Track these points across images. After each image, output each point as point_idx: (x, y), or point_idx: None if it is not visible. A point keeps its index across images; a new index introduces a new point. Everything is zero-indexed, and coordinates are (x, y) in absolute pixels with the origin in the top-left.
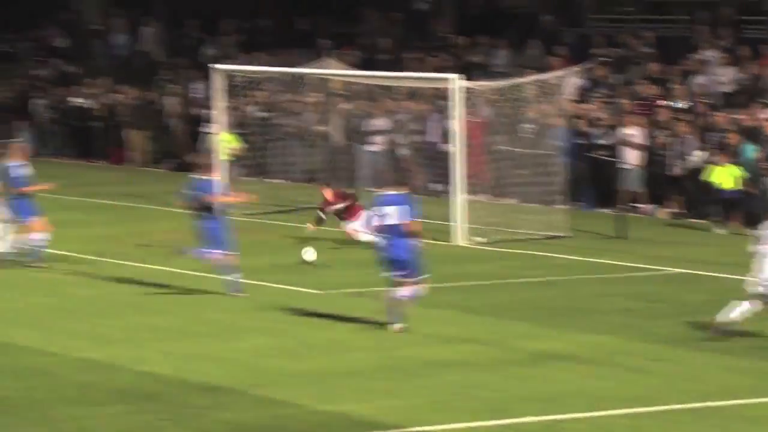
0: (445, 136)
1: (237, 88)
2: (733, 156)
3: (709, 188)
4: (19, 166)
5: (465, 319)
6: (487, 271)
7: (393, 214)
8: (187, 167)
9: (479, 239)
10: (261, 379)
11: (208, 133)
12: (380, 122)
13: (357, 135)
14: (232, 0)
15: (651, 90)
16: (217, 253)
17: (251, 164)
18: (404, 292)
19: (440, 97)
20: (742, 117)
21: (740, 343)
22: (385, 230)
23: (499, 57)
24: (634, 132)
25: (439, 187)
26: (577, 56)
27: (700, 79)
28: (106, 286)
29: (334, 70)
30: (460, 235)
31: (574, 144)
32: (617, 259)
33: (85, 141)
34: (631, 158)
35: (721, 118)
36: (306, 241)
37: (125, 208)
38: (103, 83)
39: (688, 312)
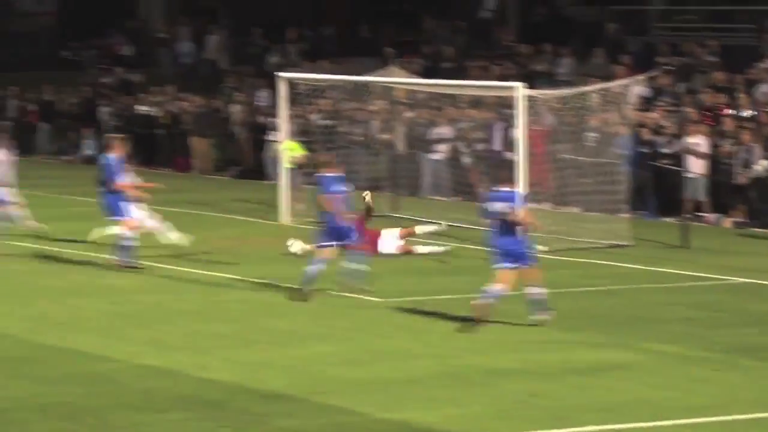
0: (509, 144)
1: (301, 96)
2: None
3: None
4: (118, 160)
5: (526, 328)
6: (549, 279)
7: (501, 209)
8: (250, 174)
9: (541, 248)
10: (323, 386)
11: (272, 140)
12: (443, 130)
13: (420, 143)
14: (296, 8)
15: (715, 99)
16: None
17: (314, 172)
18: (531, 290)
19: (504, 105)
20: None
21: None
22: (496, 225)
23: (563, 65)
24: (698, 141)
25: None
26: (641, 65)
27: (764, 88)
28: (170, 293)
29: (398, 78)
30: None
31: (637, 152)
32: (680, 268)
33: (149, 149)
34: (695, 167)
35: None
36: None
37: (189, 216)
38: (168, 91)
39: (751, 322)
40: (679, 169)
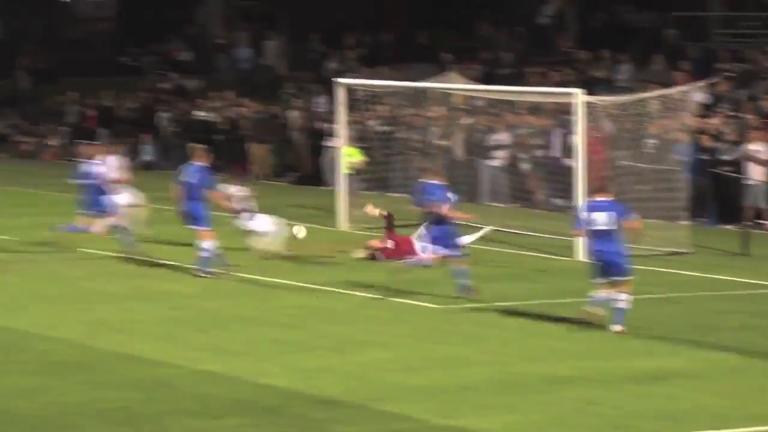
0: (567, 150)
1: (359, 102)
2: None
3: None
4: (200, 168)
5: (585, 335)
6: None
7: (601, 220)
8: (308, 180)
9: None
10: (380, 393)
11: (330, 146)
12: (502, 137)
13: (478, 149)
14: (354, 14)
15: None
16: (444, 252)
17: (372, 178)
18: (619, 296)
19: (562, 111)
20: None
21: None
22: (594, 235)
23: (622, 72)
24: (758, 147)
25: (561, 202)
26: (701, 71)
27: None
28: (228, 299)
29: (456, 85)
30: (582, 250)
31: (697, 159)
32: (739, 275)
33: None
34: (756, 174)
35: None
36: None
37: None
38: (227, 97)
39: None
40: (739, 176)
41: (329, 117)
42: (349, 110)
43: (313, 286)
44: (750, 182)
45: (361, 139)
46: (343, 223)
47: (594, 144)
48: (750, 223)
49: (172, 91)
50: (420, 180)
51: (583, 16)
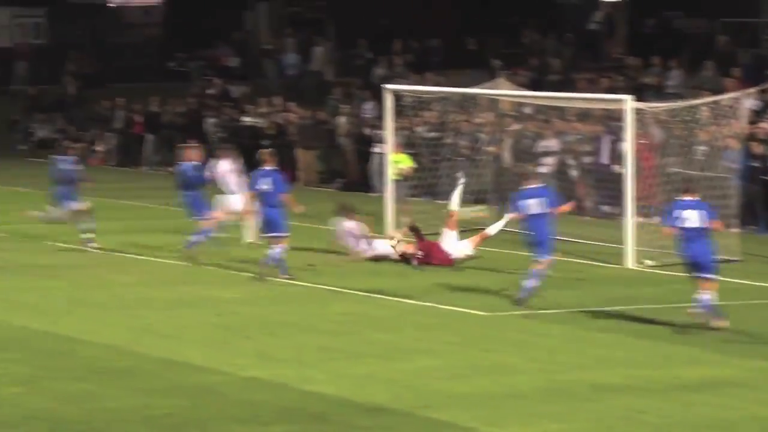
0: (616, 157)
1: (406, 108)
2: None
3: None
4: (272, 172)
5: (634, 343)
6: (656, 294)
7: (692, 218)
8: (355, 186)
9: (649, 262)
10: (427, 400)
11: (378, 153)
12: (550, 143)
13: (526, 156)
14: (402, 20)
15: None
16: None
17: (420, 184)
18: (705, 295)
19: (611, 118)
20: None
21: None
22: (685, 233)
23: (672, 78)
24: None
25: (610, 209)
26: (752, 77)
27: None
28: (275, 305)
29: (505, 91)
30: (631, 257)
31: (748, 166)
32: None
33: (254, 160)
34: None
35: None
36: None
37: (293, 228)
38: (275, 102)
39: None
40: None
41: (376, 123)
42: (396, 116)
43: (360, 293)
44: None
45: (408, 145)
46: (390, 229)
47: (643, 151)
48: None
49: (219, 97)
50: (520, 186)
51: (633, 22)
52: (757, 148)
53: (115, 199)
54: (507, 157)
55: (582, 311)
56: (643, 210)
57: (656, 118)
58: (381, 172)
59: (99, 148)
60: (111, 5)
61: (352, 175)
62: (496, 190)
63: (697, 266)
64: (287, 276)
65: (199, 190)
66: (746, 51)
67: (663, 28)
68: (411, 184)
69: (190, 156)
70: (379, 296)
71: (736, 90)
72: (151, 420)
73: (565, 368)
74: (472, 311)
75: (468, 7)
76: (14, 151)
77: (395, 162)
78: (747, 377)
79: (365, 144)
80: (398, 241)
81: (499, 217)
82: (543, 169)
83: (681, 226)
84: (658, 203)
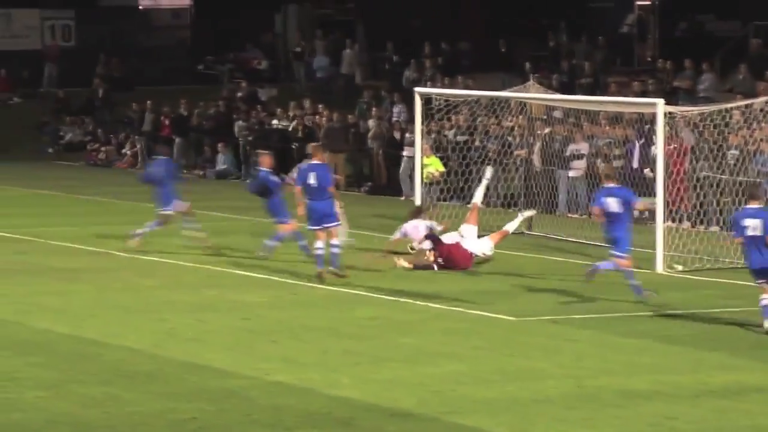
0: (647, 161)
1: (436, 111)
2: None
3: None
4: (319, 166)
5: (662, 349)
6: (686, 299)
7: (755, 226)
8: (383, 190)
9: (679, 267)
10: (453, 405)
11: (407, 156)
12: (581, 147)
13: (556, 159)
14: (432, 23)
15: None
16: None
17: (449, 188)
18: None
19: (643, 121)
20: None
21: None
22: (748, 241)
23: (704, 81)
24: None
25: (639, 214)
26: None
27: None
28: (300, 309)
29: (535, 94)
30: (661, 262)
31: None
32: None
33: (284, 163)
34: None
35: None
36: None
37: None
38: (305, 105)
39: None
40: None
41: (406, 126)
42: (425, 119)
43: (386, 297)
44: None
45: (438, 148)
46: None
47: (674, 155)
48: None
49: (248, 100)
50: (602, 186)
51: (665, 25)
52: None
53: (139, 203)
54: (536, 160)
55: (611, 317)
56: (673, 214)
57: (688, 122)
58: (410, 176)
59: (127, 151)
60: (140, 8)
61: (381, 179)
62: (526, 194)
63: (758, 273)
64: (337, 272)
65: (277, 195)
66: None
67: (695, 31)
68: (440, 187)
69: (266, 162)
70: (404, 300)
71: None
72: (175, 424)
73: (592, 374)
74: (499, 316)
75: (498, 10)
76: (44, 154)
77: (427, 165)
78: None
79: (394, 147)
80: (418, 245)
81: (528, 222)
82: (572, 173)
83: (746, 234)
84: (688, 207)
